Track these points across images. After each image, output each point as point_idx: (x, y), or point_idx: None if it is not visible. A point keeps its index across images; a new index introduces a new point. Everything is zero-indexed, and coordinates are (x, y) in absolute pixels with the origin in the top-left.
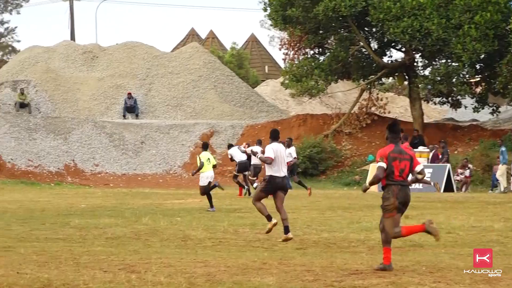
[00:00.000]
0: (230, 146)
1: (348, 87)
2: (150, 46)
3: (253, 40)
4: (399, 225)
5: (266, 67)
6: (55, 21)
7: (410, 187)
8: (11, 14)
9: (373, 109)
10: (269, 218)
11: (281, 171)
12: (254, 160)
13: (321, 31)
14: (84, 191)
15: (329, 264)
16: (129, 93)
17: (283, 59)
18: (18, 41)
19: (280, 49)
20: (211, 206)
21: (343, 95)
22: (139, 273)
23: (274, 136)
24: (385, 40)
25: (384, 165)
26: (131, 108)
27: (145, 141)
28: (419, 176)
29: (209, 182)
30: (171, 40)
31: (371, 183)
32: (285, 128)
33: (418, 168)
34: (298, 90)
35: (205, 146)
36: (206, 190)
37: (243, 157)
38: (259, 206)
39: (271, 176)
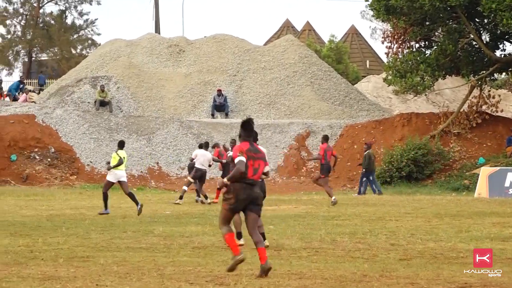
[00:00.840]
0: (201, 146)
1: (457, 83)
2: (241, 39)
3: (353, 33)
4: (228, 224)
5: (367, 61)
6: (139, 13)
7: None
8: (91, 5)
9: (484, 107)
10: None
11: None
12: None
13: (427, 23)
14: (169, 197)
15: (435, 277)
16: (219, 90)
17: (386, 53)
18: (99, 34)
19: (382, 42)
20: (105, 207)
21: (451, 92)
22: (228, 285)
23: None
24: (498, 32)
25: (244, 159)
26: (220, 107)
27: (235, 143)
28: (263, 177)
29: (119, 181)
30: (264, 33)
31: (231, 179)
32: (387, 128)
33: (265, 169)
34: (402, 86)
35: (121, 145)
36: (108, 187)
37: (205, 165)
38: (237, 218)
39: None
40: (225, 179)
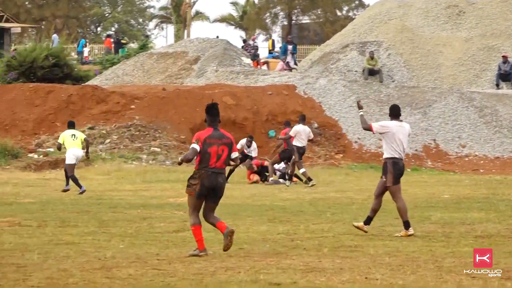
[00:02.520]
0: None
1: None
2: None
3: None
4: (198, 214)
5: None
6: None
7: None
8: None
9: None
10: (406, 224)
11: (401, 154)
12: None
13: None
14: (448, 178)
15: None
16: (504, 57)
17: None
18: None
19: None
20: (67, 184)
21: None
22: None
23: (394, 112)
24: None
25: (197, 147)
26: (506, 76)
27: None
28: (231, 163)
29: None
30: None
31: (182, 161)
32: None
33: (233, 155)
34: None
35: (70, 125)
36: (71, 170)
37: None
38: (402, 204)
39: (393, 159)
40: (179, 158)
